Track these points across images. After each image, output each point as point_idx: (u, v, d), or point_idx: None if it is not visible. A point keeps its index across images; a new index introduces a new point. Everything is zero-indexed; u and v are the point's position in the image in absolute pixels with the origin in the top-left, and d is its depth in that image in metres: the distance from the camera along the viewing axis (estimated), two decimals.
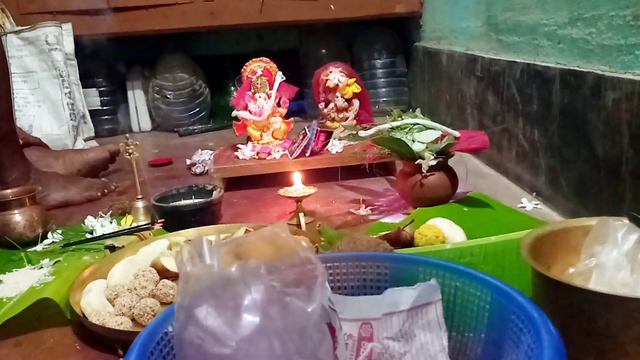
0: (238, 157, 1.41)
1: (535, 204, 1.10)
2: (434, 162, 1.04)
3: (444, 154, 1.06)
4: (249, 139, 1.45)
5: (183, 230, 0.99)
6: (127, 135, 1.18)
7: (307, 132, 1.34)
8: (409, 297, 0.53)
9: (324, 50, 2.27)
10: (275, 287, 0.43)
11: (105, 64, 2.24)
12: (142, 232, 1.01)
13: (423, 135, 1.06)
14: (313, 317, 0.43)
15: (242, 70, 1.45)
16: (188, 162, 1.64)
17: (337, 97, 1.49)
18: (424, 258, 0.57)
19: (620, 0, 0.85)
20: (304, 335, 0.42)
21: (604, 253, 0.58)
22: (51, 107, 1.91)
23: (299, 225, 1.05)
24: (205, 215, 1.08)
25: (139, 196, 1.15)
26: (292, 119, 1.47)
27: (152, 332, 0.46)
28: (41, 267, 0.94)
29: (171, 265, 0.83)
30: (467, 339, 0.53)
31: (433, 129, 1.08)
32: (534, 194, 1.14)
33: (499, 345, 0.48)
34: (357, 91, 1.50)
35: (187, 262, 0.43)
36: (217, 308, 0.41)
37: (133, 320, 0.74)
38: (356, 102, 1.52)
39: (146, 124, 2.34)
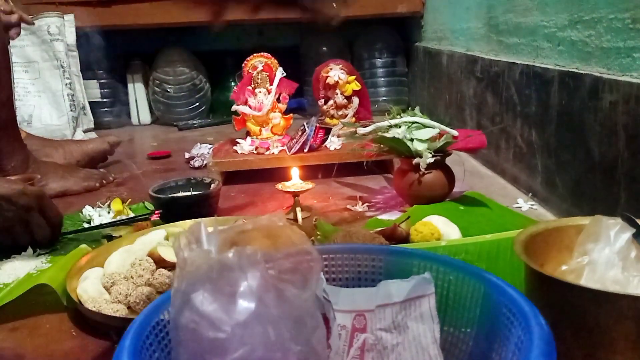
0: (237, 152, 1.41)
1: (531, 205, 1.11)
2: (431, 160, 1.04)
3: (441, 153, 1.07)
4: (248, 133, 1.45)
5: (180, 222, 0.99)
6: None
7: (306, 128, 1.35)
8: (402, 290, 0.54)
9: (324, 48, 2.27)
10: (272, 275, 0.43)
11: (107, 56, 2.24)
12: (139, 223, 1.02)
13: (421, 133, 1.07)
14: (308, 304, 0.43)
15: (243, 65, 1.45)
16: (187, 155, 1.64)
17: (337, 94, 1.50)
18: (419, 251, 0.58)
19: (619, 4, 0.86)
20: (298, 322, 0.43)
21: (596, 251, 0.58)
22: (51, 98, 1.91)
23: (295, 219, 1.06)
24: (202, 207, 1.08)
25: None
26: (291, 115, 1.48)
27: (147, 317, 0.47)
28: (38, 255, 0.94)
29: (168, 255, 0.84)
30: (459, 332, 0.53)
31: (431, 127, 1.09)
32: (530, 194, 1.15)
33: (490, 338, 0.49)
34: (357, 89, 1.50)
35: (185, 248, 0.44)
36: (213, 293, 0.42)
37: (129, 308, 0.74)
38: (356, 100, 1.52)
39: (146, 117, 2.34)
